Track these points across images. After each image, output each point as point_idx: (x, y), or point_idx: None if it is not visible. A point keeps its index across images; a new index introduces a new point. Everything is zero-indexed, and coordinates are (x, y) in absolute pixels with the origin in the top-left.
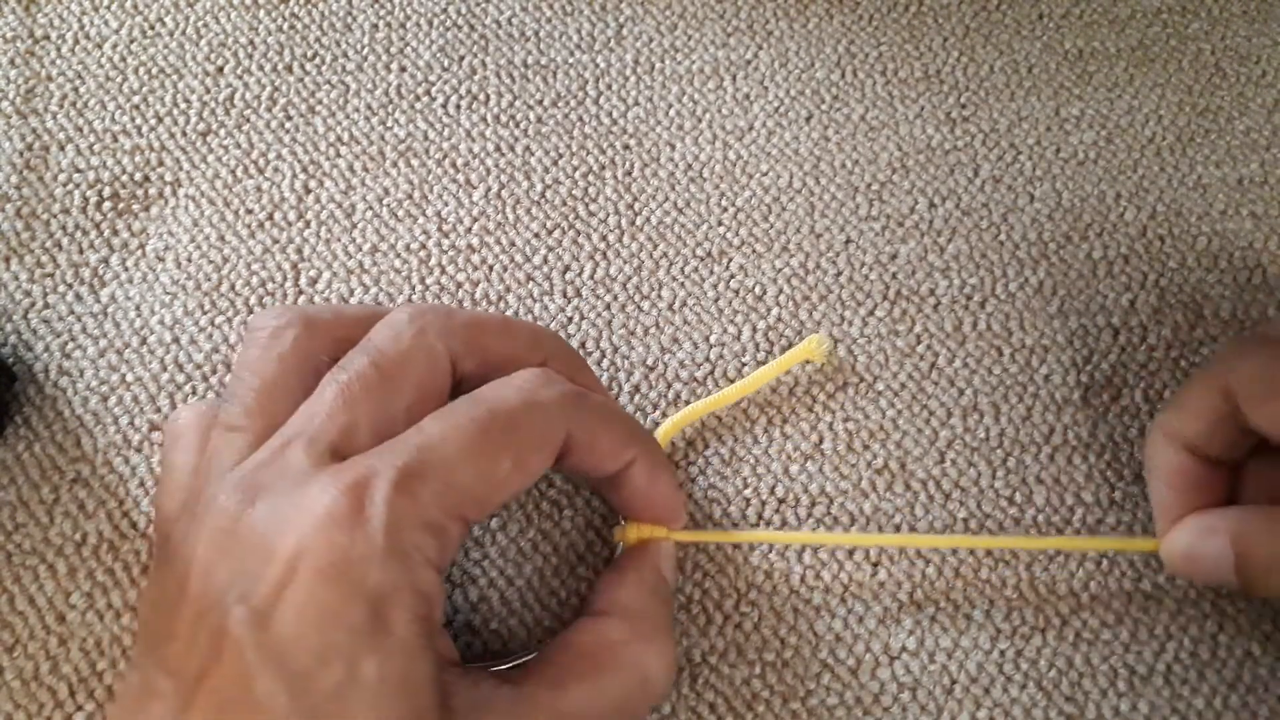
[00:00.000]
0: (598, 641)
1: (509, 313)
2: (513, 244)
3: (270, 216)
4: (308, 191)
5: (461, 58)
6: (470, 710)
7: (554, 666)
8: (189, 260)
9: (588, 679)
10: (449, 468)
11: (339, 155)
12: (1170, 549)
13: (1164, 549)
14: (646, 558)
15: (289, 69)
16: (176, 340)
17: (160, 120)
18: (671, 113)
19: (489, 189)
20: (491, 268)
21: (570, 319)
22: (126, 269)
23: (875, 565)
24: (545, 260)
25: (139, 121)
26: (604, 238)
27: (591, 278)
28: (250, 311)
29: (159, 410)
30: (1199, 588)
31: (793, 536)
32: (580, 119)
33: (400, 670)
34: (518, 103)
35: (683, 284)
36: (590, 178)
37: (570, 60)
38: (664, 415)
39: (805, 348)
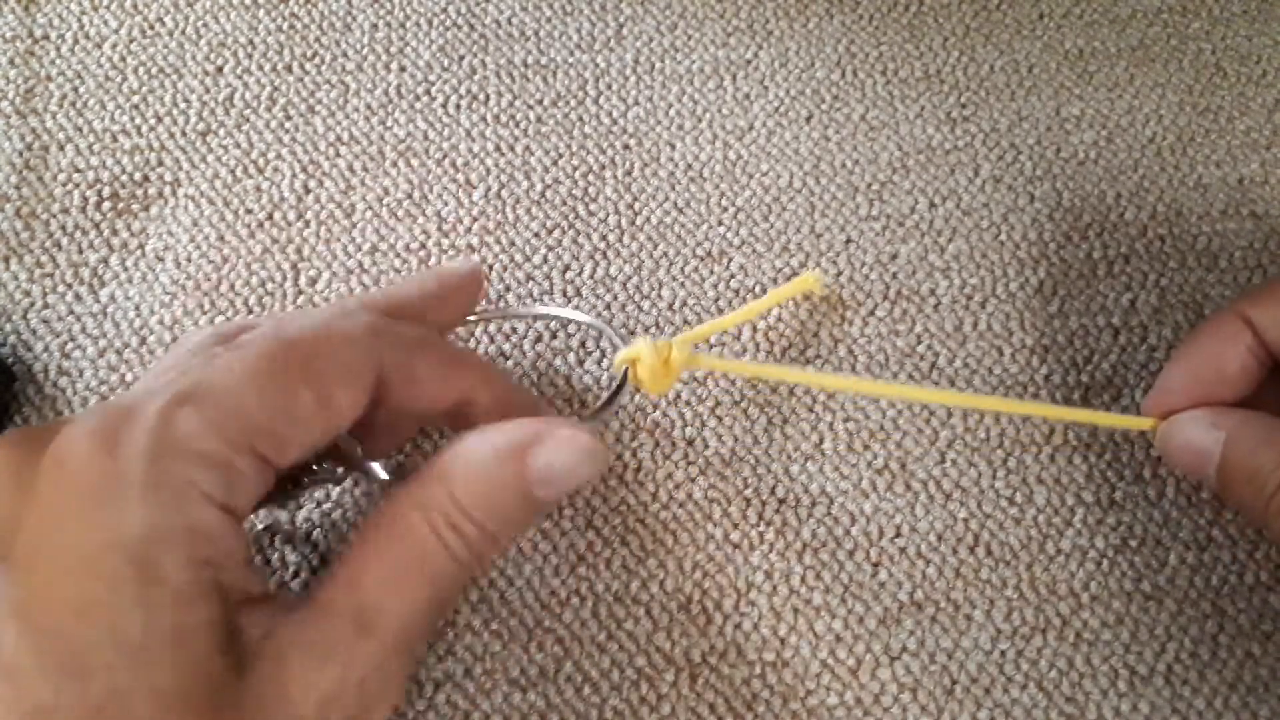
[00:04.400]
0: (386, 517)
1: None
2: (513, 244)
3: (270, 216)
4: (307, 191)
5: (461, 58)
6: (265, 639)
7: (349, 562)
8: (189, 260)
9: (386, 565)
10: (230, 394)
11: (339, 155)
12: (1169, 433)
13: (1163, 431)
14: (506, 449)
15: (289, 69)
16: (176, 340)
17: (160, 120)
18: (671, 113)
19: (489, 189)
20: (491, 268)
21: (570, 319)
22: (126, 269)
23: (875, 565)
24: (545, 260)
25: (139, 121)
26: (604, 238)
27: (591, 278)
28: (250, 312)
29: None
30: (1198, 590)
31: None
32: (580, 119)
33: (171, 623)
34: (518, 103)
35: (683, 284)
36: (590, 178)
37: (570, 60)
38: (664, 414)
39: (804, 281)
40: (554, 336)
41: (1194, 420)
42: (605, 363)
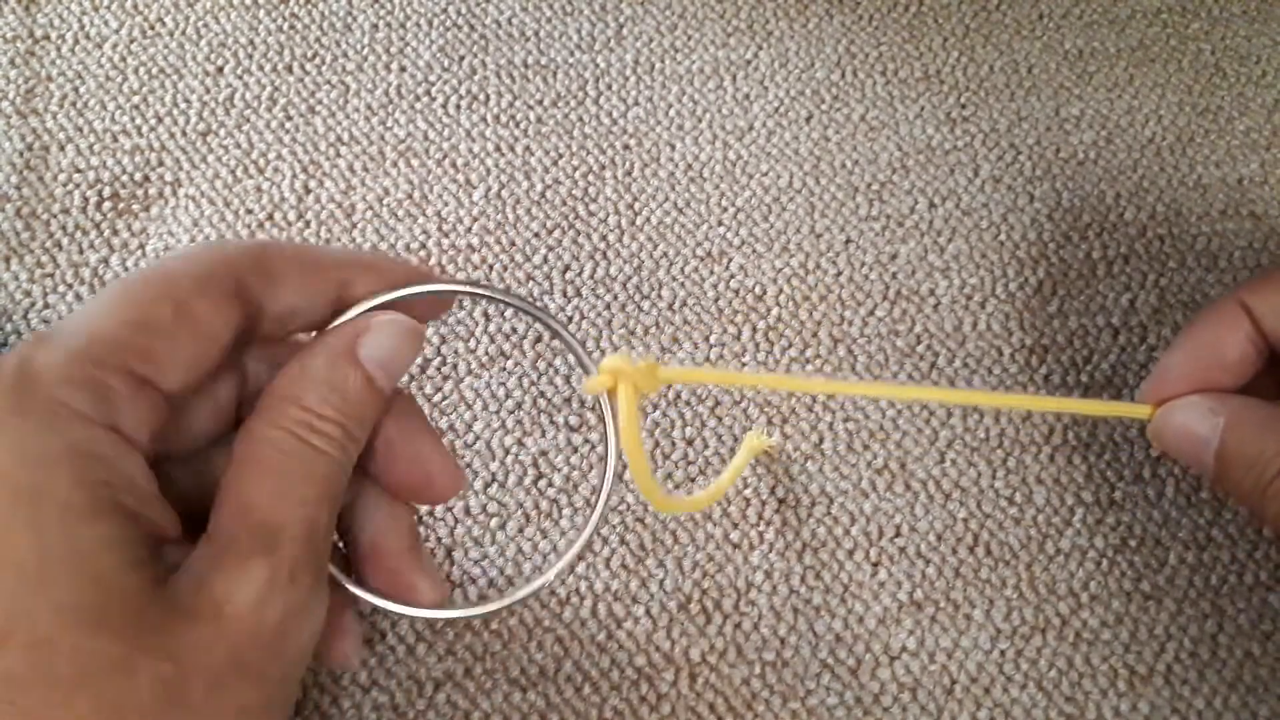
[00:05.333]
0: (253, 442)
1: (508, 312)
2: (513, 244)
3: (270, 216)
4: (308, 191)
5: (461, 58)
6: (181, 570)
7: (232, 487)
8: None
9: (270, 481)
10: (85, 322)
11: (339, 155)
12: (1167, 419)
13: (1160, 416)
14: (338, 347)
15: (289, 69)
16: None
17: (160, 120)
18: (671, 113)
19: (489, 189)
20: (491, 267)
21: (570, 319)
22: (126, 269)
23: (875, 565)
24: (545, 260)
25: (139, 121)
26: (604, 238)
27: (591, 278)
28: None
29: None
30: (1197, 590)
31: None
32: (580, 119)
33: (64, 539)
34: (518, 103)
35: (683, 284)
36: (590, 178)
37: (570, 60)
38: (664, 414)
39: (753, 444)
40: (554, 337)
41: (1192, 406)
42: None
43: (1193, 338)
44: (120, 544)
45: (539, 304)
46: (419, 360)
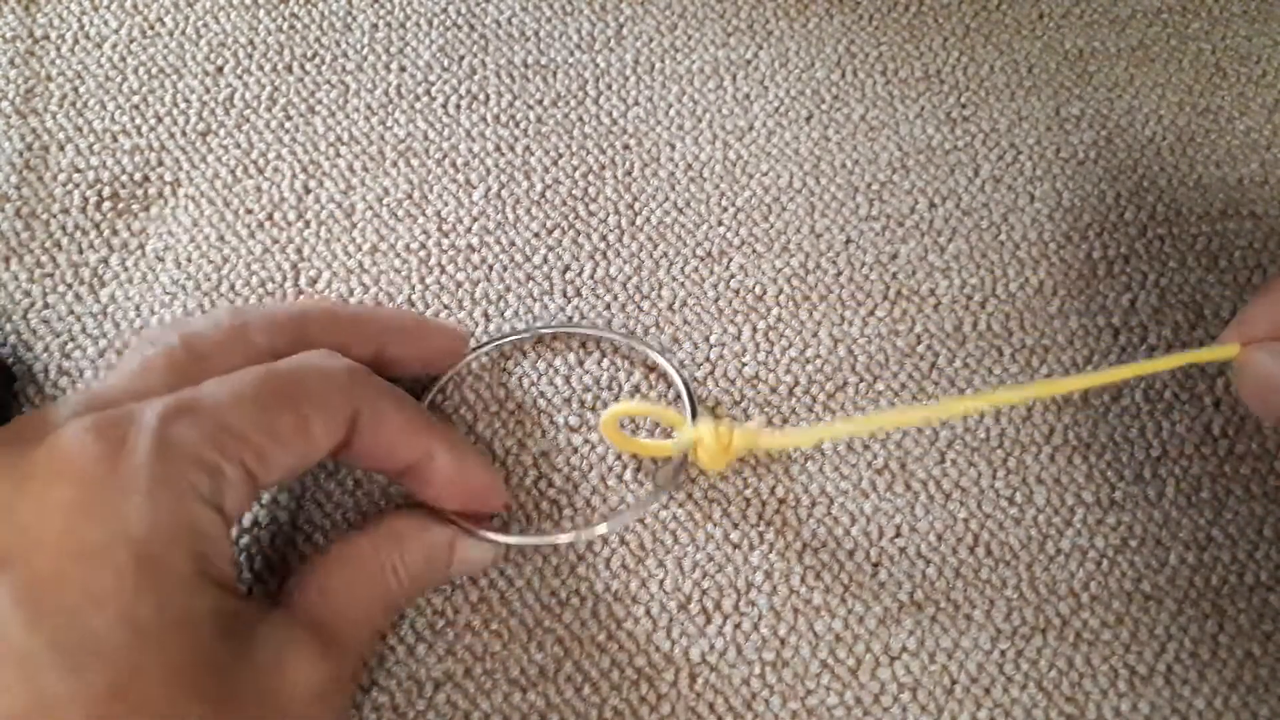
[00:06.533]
0: (352, 552)
1: (508, 312)
2: (513, 244)
3: (270, 216)
4: (307, 191)
5: (461, 58)
6: (258, 635)
7: (317, 577)
8: (189, 260)
9: (346, 588)
10: (220, 409)
11: (339, 155)
12: (1252, 357)
13: (1244, 355)
14: (445, 532)
15: (289, 69)
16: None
17: (160, 120)
18: (671, 113)
19: (489, 189)
20: (491, 268)
21: (570, 319)
22: (126, 269)
23: (875, 565)
24: (545, 260)
25: (139, 121)
26: (604, 238)
27: (591, 278)
28: None
29: None
30: (1198, 590)
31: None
32: (580, 119)
33: (179, 608)
34: (518, 103)
35: (683, 284)
36: (590, 178)
37: (570, 60)
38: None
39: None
40: (554, 337)
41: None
42: (605, 362)
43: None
44: (217, 615)
45: (656, 348)
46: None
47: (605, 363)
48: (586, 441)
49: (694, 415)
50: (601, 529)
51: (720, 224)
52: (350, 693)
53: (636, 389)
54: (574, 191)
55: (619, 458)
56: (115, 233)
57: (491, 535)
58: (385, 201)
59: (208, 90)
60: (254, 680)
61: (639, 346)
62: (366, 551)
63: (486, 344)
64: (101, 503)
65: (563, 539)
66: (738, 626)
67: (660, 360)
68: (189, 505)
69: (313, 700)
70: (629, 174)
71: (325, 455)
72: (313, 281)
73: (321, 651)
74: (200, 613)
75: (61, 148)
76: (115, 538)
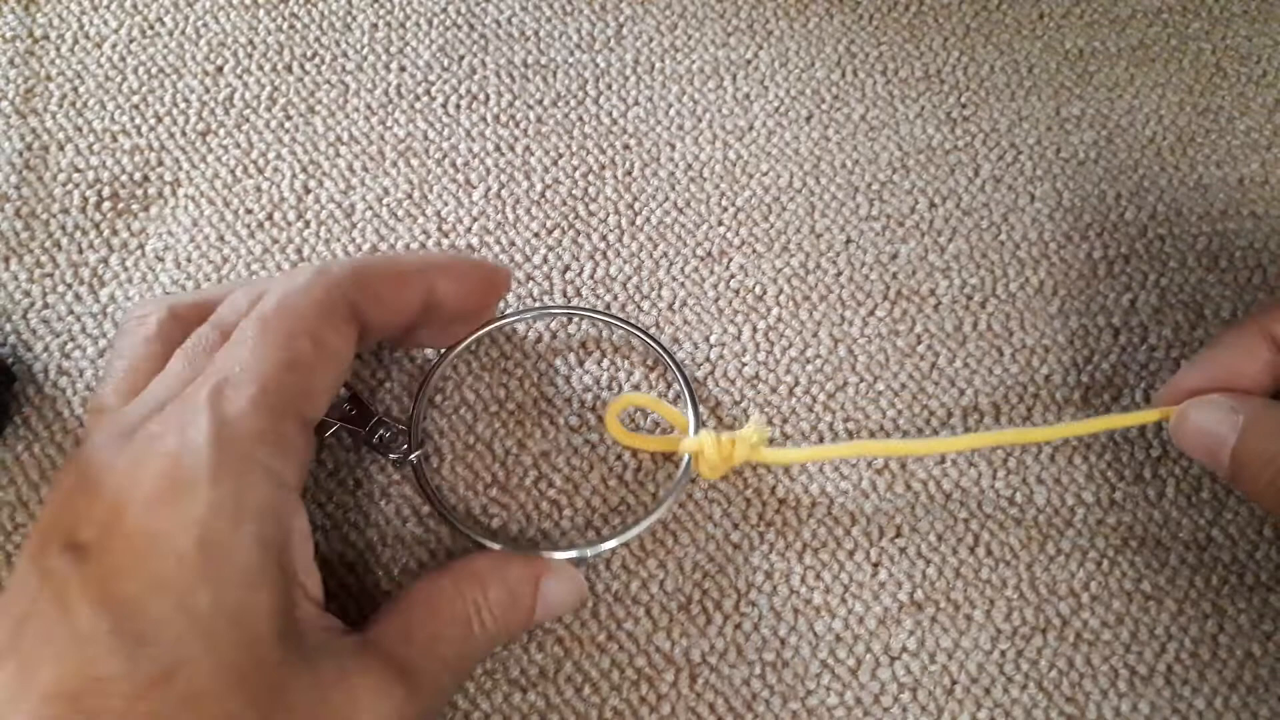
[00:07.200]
0: (434, 591)
1: (508, 311)
2: (513, 244)
3: (270, 216)
4: (307, 191)
5: (461, 58)
6: (327, 651)
7: (398, 614)
8: (189, 260)
9: (427, 627)
10: (252, 367)
11: (339, 155)
12: (1185, 416)
13: (1179, 413)
14: (527, 571)
15: (289, 69)
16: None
17: (160, 120)
18: (671, 113)
19: (489, 189)
20: None
21: (570, 319)
22: (126, 269)
23: (875, 565)
24: (545, 260)
25: (139, 121)
26: (604, 238)
27: (591, 278)
28: None
29: None
30: (1198, 590)
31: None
32: (580, 119)
33: (235, 600)
34: (518, 103)
35: (683, 284)
36: (590, 178)
37: (570, 60)
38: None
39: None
40: (554, 337)
41: (1214, 404)
42: (605, 362)
43: (1210, 359)
44: (275, 614)
45: (669, 351)
46: (419, 361)
47: (605, 363)
48: (587, 442)
49: (697, 423)
50: (638, 529)
51: (720, 224)
52: None
53: (636, 390)
54: (574, 191)
55: (619, 458)
56: (115, 233)
57: (558, 555)
58: (385, 201)
59: (207, 90)
60: (311, 691)
61: (655, 347)
62: (449, 591)
63: (527, 311)
64: (165, 491)
65: (606, 546)
66: (738, 626)
67: (677, 372)
68: (258, 487)
69: None
70: (629, 174)
71: (350, 358)
72: None
73: (394, 687)
74: (259, 608)
75: (61, 148)
76: (177, 526)
